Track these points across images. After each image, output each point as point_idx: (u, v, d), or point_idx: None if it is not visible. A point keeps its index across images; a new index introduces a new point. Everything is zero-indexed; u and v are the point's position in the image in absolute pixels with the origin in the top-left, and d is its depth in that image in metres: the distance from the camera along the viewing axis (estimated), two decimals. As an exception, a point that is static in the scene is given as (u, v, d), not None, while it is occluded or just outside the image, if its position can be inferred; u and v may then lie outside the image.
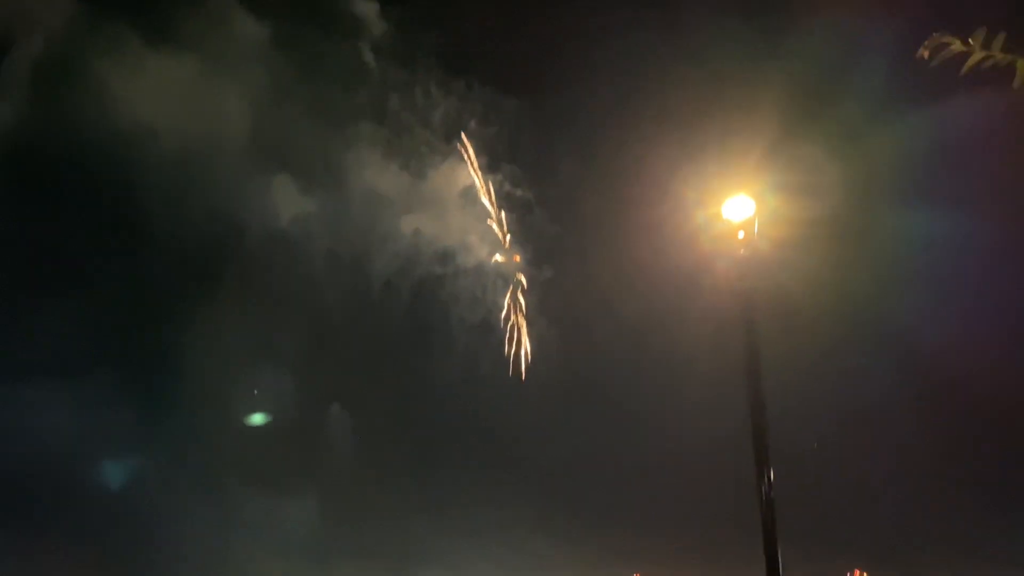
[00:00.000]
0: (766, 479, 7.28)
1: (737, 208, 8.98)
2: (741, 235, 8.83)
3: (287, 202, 34.95)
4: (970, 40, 3.92)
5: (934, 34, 3.97)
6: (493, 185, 35.28)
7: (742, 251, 8.72)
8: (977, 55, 3.91)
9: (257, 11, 33.41)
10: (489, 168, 34.98)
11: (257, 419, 36.59)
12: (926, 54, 4.02)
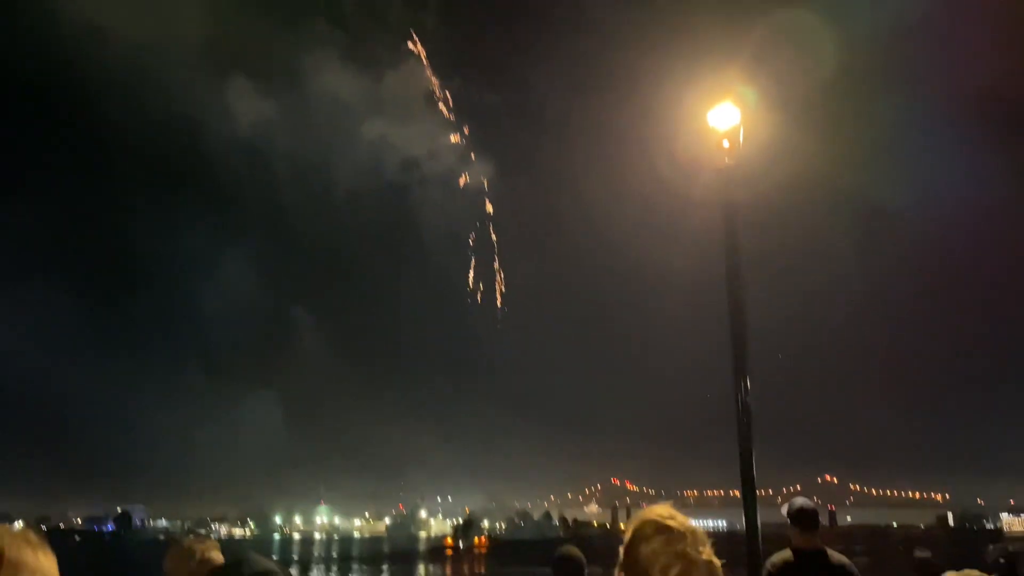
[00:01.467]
0: (743, 386, 7.33)
1: (722, 116, 8.82)
2: (726, 144, 8.70)
3: (245, 105, 34.10)
4: None
5: None
6: (455, 90, 33.89)
7: (727, 160, 8.61)
8: None
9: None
10: (450, 71, 33.60)
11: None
12: None
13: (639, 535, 2.59)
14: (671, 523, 2.60)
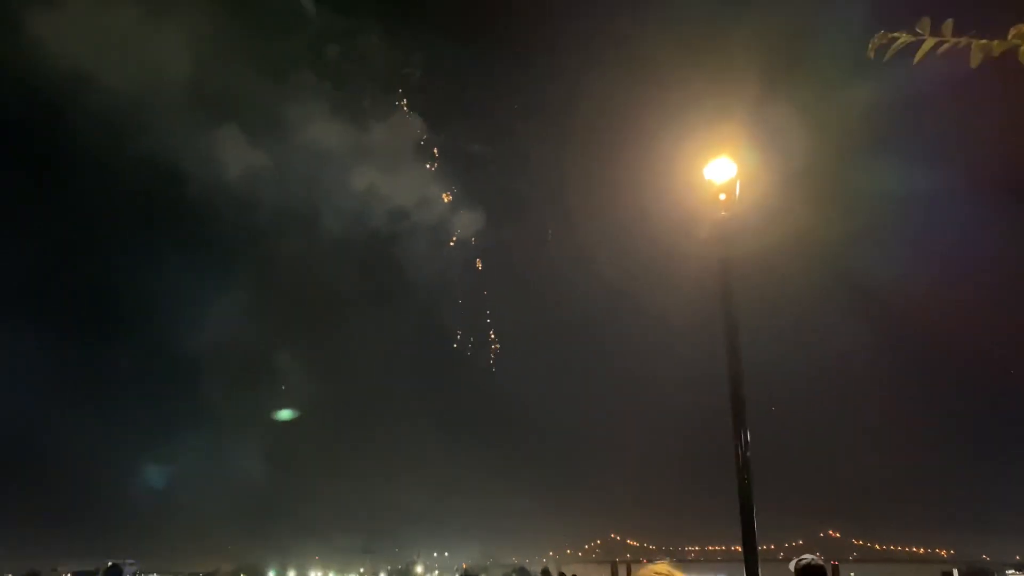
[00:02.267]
0: (742, 441, 7.31)
1: (718, 170, 8.94)
2: (723, 197, 8.81)
3: (233, 154, 34.32)
4: (917, 29, 3.94)
5: (878, 33, 4.00)
6: (442, 141, 34.21)
7: (723, 213, 8.71)
8: (929, 42, 3.95)
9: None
10: (437, 124, 33.91)
11: (285, 415, 36.11)
12: (872, 52, 4.05)
13: None
14: None
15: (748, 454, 7.20)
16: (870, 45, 4.05)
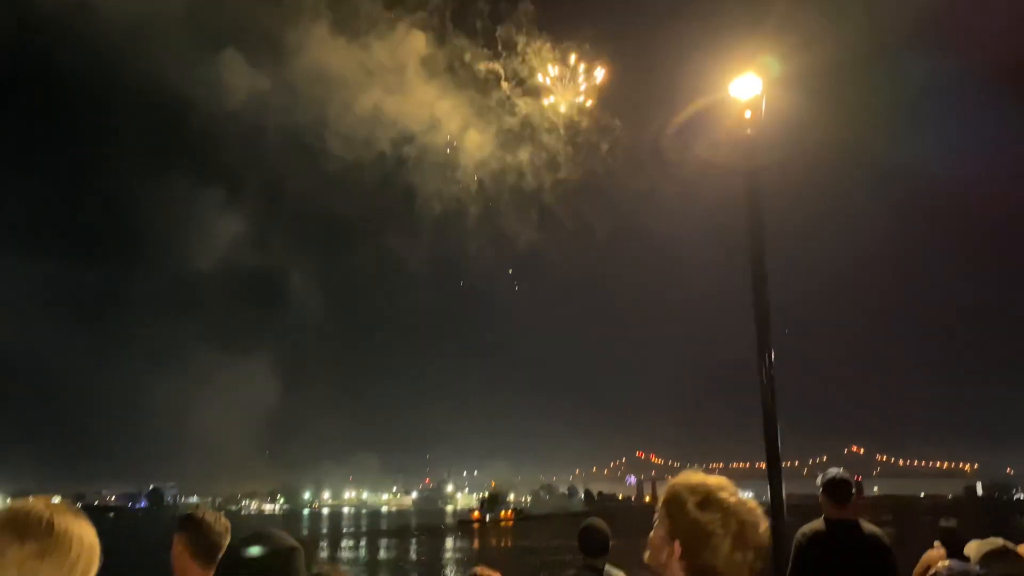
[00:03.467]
0: (767, 360, 7.31)
1: (744, 87, 8.73)
2: (748, 114, 8.62)
3: (236, 80, 33.48)
4: None
5: None
6: (448, 58, 32.53)
7: (749, 131, 8.53)
8: None
9: None
10: (442, 39, 32.42)
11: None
12: None
13: (685, 500, 2.61)
14: (712, 484, 2.65)
15: (773, 372, 7.22)
16: None
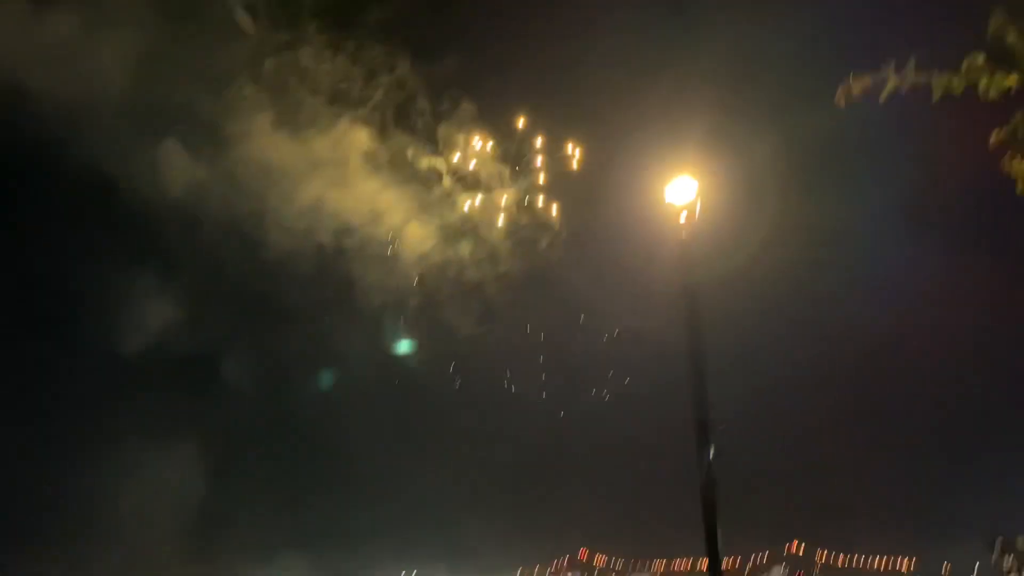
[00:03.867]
0: (706, 457, 7.39)
1: (679, 190, 8.97)
2: (683, 218, 8.85)
3: (175, 168, 33.07)
4: (883, 69, 4.16)
5: (847, 79, 4.22)
6: (390, 155, 33.28)
7: (684, 235, 8.73)
8: (892, 81, 4.17)
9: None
10: (383, 136, 32.95)
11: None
12: (843, 100, 4.27)
13: None
14: None
15: (712, 470, 7.30)
16: (838, 93, 4.26)
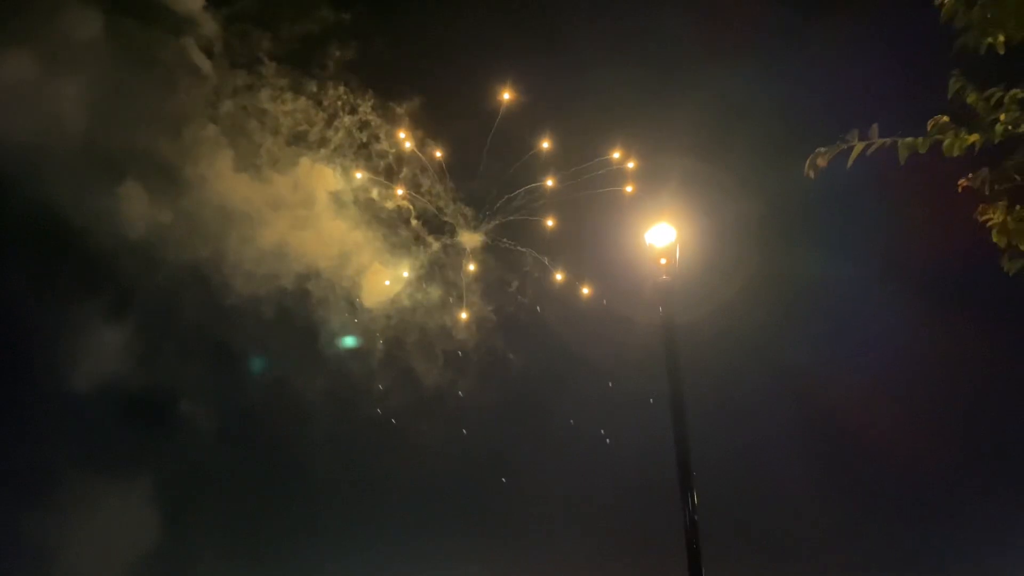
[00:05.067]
0: (690, 503, 7.43)
1: (659, 235, 9.16)
2: (663, 262, 9.03)
3: (134, 211, 32.65)
4: (846, 137, 4.43)
5: (812, 155, 4.50)
6: (354, 197, 33.15)
7: (664, 277, 8.91)
8: (859, 147, 4.43)
9: (84, 3, 30.84)
10: (346, 176, 32.86)
11: (349, 341, 33.92)
12: (811, 173, 4.54)
13: None
14: None
15: (696, 516, 7.32)
16: (807, 165, 4.51)
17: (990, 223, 4.71)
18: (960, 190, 4.73)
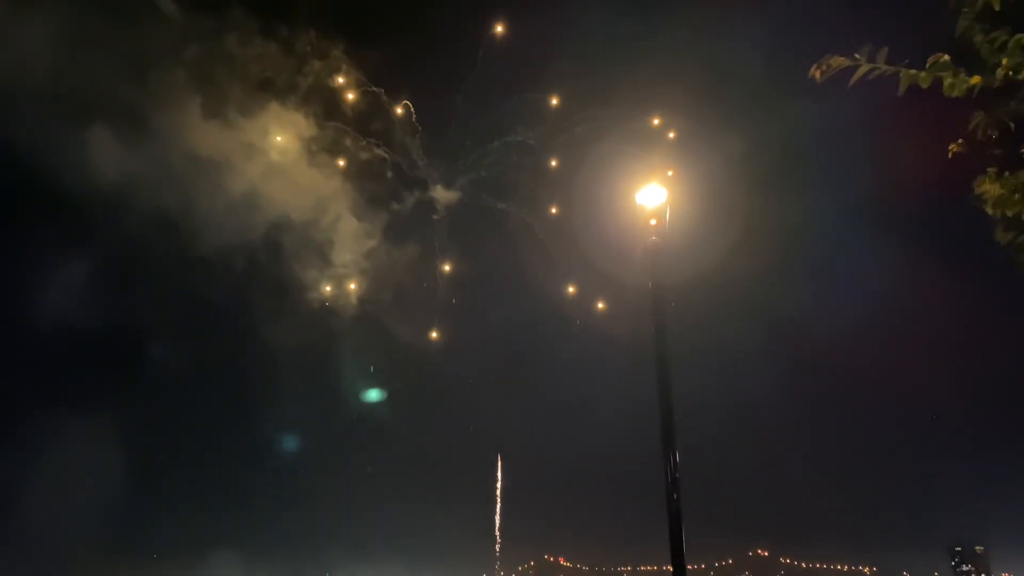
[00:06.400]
0: (672, 461, 7.41)
1: (649, 196, 9.09)
2: (653, 222, 8.96)
3: (98, 156, 31.95)
4: (856, 55, 4.33)
5: (823, 58, 4.40)
6: (328, 144, 31.82)
7: (654, 238, 8.84)
8: (864, 67, 4.34)
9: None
10: (321, 128, 31.51)
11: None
12: (817, 74, 4.42)
13: None
14: None
15: (677, 475, 7.30)
16: (813, 68, 4.40)
17: (985, 195, 4.70)
18: (951, 156, 4.71)
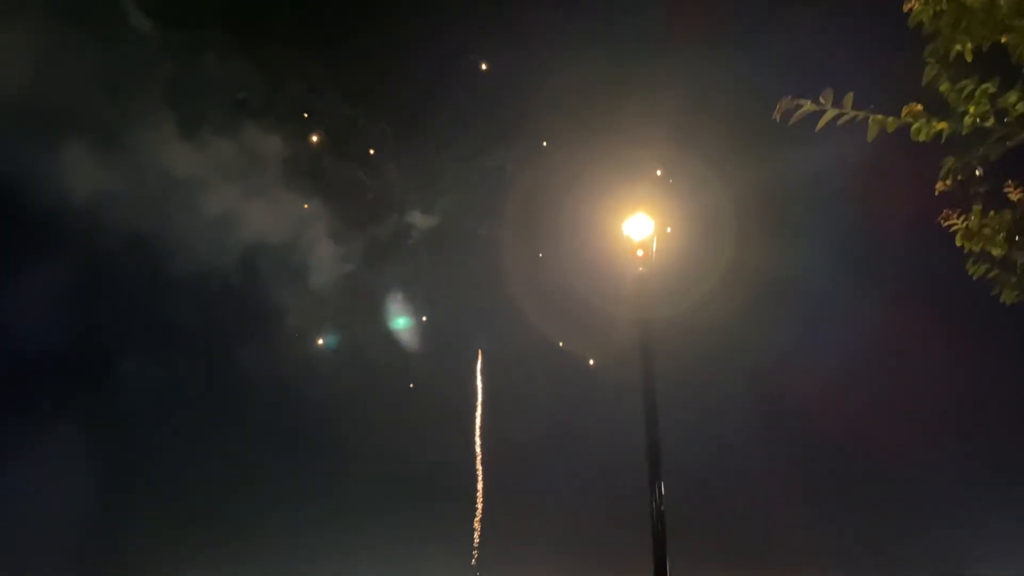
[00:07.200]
0: (657, 492, 7.44)
1: (636, 226, 9.12)
2: (640, 254, 9.00)
3: (75, 175, 31.43)
4: (820, 99, 4.36)
5: (785, 98, 4.39)
6: (304, 166, 31.09)
7: (641, 269, 8.87)
8: (830, 112, 4.37)
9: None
10: (298, 147, 30.82)
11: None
12: (778, 116, 4.43)
13: None
14: None
15: (663, 508, 7.34)
16: (776, 108, 4.42)
17: (953, 228, 4.74)
18: (937, 194, 4.74)
